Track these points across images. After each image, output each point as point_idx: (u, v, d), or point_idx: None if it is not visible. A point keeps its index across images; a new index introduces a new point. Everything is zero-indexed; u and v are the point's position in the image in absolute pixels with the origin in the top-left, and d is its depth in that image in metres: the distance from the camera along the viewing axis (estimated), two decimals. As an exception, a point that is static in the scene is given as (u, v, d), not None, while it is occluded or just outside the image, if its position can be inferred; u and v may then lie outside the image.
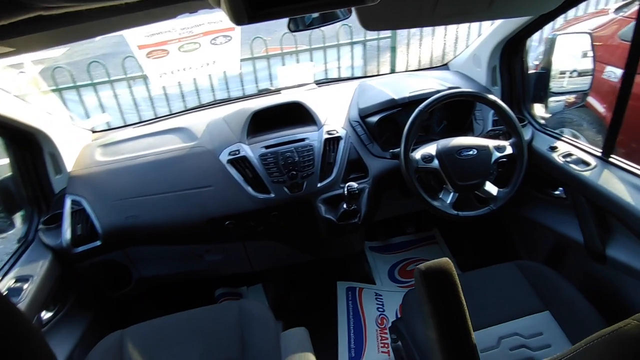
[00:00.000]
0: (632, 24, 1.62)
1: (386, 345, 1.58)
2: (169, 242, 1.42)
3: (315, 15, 1.20)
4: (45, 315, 1.32)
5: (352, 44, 3.65)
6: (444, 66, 1.94)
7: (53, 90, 2.87)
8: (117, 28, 0.85)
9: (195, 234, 1.40)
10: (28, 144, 1.37)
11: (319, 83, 1.89)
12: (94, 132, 1.69)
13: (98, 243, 1.35)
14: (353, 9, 0.93)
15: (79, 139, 1.58)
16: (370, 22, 0.97)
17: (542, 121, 1.63)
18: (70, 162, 1.47)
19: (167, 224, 1.36)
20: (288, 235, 1.46)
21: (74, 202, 1.37)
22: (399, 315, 1.71)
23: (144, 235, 1.38)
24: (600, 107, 2.49)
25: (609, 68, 2.51)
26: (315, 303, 1.82)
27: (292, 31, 1.17)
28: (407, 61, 3.96)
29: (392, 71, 3.78)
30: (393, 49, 3.94)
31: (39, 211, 1.43)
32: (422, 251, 2.03)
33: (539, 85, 1.58)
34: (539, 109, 1.69)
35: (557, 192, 1.51)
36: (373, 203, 1.42)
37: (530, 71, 1.64)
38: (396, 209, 1.76)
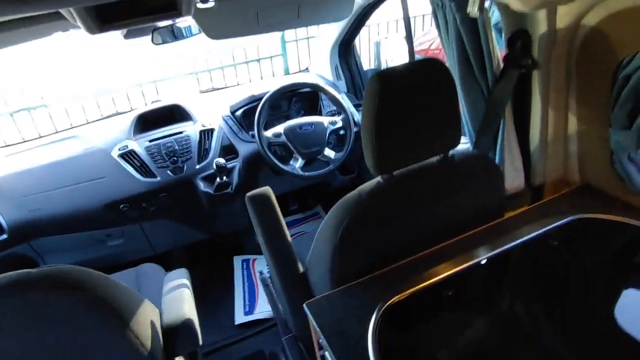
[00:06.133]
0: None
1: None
2: (72, 230, 1.64)
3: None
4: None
5: (247, 62, 4.05)
6: (306, 69, 2.36)
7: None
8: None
9: (95, 220, 1.64)
10: None
11: (202, 92, 2.23)
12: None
13: (5, 236, 1.54)
14: (198, 26, 1.28)
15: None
16: (211, 33, 1.34)
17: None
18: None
19: (68, 213, 1.59)
20: (177, 212, 1.76)
21: None
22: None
23: (48, 226, 1.60)
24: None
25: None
26: (216, 276, 2.11)
27: (155, 44, 1.50)
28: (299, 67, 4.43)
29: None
30: (284, 59, 4.42)
31: None
32: (308, 226, 2.39)
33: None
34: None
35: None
36: (244, 178, 1.76)
37: (368, 68, 2.11)
38: (275, 189, 2.11)
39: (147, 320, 0.92)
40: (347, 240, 0.92)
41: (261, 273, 1.57)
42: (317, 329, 0.84)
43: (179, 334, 1.00)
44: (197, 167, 1.69)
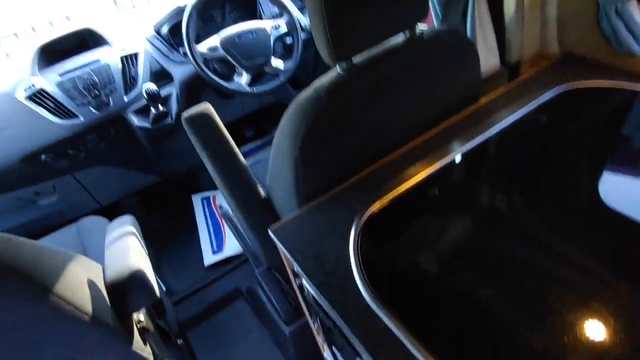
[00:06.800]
0: None
1: (242, 232, 1.78)
2: None
3: None
4: None
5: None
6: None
7: None
8: None
9: (14, 177, 1.39)
10: None
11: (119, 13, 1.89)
12: None
13: None
14: None
15: None
16: None
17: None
18: None
19: None
20: (114, 154, 1.52)
21: None
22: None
23: None
24: None
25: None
26: (176, 219, 1.94)
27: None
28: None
29: None
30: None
31: None
32: (268, 153, 2.21)
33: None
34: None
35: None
36: (185, 105, 1.53)
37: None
38: (224, 114, 1.89)
39: (82, 280, 0.76)
40: (309, 147, 0.76)
41: (221, 207, 1.41)
42: (289, 256, 0.71)
43: (128, 288, 0.84)
44: (126, 99, 1.44)
